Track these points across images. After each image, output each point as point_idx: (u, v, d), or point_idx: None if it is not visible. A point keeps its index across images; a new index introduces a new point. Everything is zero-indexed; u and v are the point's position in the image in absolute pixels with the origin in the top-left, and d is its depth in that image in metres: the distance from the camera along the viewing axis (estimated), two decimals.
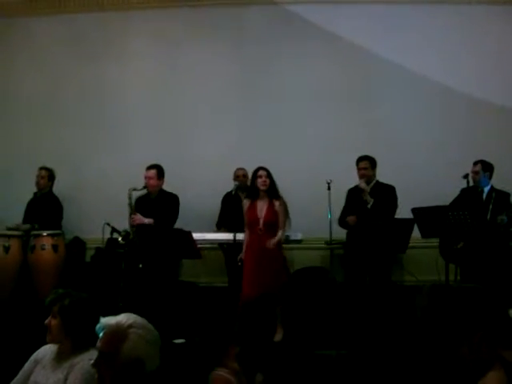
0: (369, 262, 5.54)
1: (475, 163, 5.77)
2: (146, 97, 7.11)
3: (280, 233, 5.36)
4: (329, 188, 5.35)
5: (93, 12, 7.19)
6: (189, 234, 4.99)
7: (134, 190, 5.79)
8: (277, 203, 5.38)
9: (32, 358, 2.91)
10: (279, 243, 5.37)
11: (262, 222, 5.32)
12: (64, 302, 2.84)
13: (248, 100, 7.03)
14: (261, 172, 5.40)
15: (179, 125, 7.07)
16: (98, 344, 2.21)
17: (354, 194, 5.88)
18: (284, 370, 4.54)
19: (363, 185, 5.69)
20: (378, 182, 5.84)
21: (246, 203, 5.47)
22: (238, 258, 5.49)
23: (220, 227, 6.29)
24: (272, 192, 5.41)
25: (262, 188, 5.36)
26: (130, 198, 5.78)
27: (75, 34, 7.21)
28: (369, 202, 5.63)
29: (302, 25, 6.98)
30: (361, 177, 5.77)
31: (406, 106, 6.77)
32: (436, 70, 6.74)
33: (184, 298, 5.85)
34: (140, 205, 5.89)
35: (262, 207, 5.38)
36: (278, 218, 5.37)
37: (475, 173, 5.73)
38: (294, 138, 6.82)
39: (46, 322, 2.84)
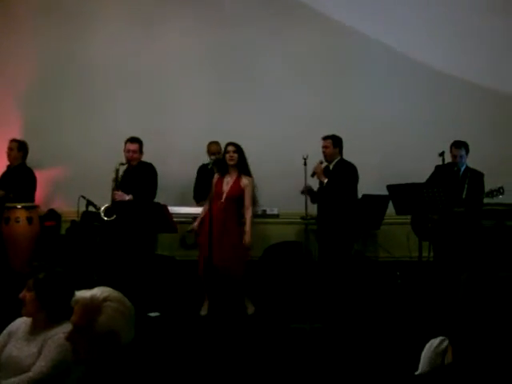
0: (337, 237, 5.57)
1: (458, 147, 5.72)
2: (123, 69, 7.02)
3: (248, 219, 5.33)
4: (305, 163, 5.36)
5: None
6: (164, 207, 4.98)
7: (122, 164, 5.72)
8: (244, 180, 5.37)
9: (6, 331, 2.90)
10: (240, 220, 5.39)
11: (224, 195, 5.32)
12: (39, 275, 2.82)
13: (225, 74, 6.98)
14: (229, 147, 5.39)
15: (156, 97, 7.01)
16: (73, 317, 2.21)
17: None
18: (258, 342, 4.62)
19: (317, 164, 5.68)
20: (341, 159, 5.82)
21: (215, 177, 5.46)
22: (190, 227, 5.52)
23: (199, 200, 6.27)
24: (241, 168, 5.40)
25: (229, 163, 5.35)
26: (116, 172, 5.70)
27: (52, 4, 7.06)
28: (323, 181, 5.67)
29: (287, 3, 6.94)
30: (324, 156, 5.79)
31: (385, 82, 6.79)
32: (419, 47, 6.76)
33: (160, 272, 5.87)
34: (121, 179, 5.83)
35: (228, 182, 5.39)
36: (242, 194, 5.36)
37: (460, 156, 5.72)
38: (272, 112, 6.83)
39: (21, 295, 2.82)
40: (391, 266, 6.20)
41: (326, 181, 5.64)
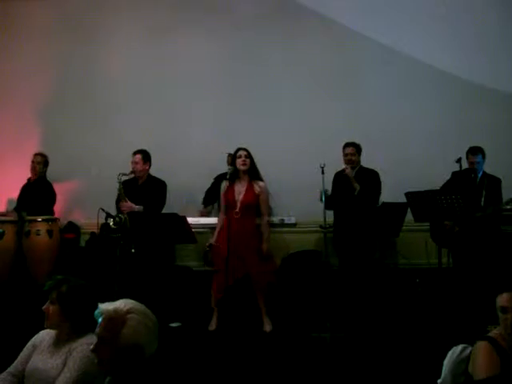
0: (359, 245, 5.57)
1: (474, 153, 5.68)
2: (136, 82, 7.12)
3: (265, 226, 5.21)
4: (322, 172, 5.33)
5: None
6: (183, 218, 4.99)
7: (123, 175, 5.76)
8: (257, 186, 5.20)
9: (30, 343, 2.93)
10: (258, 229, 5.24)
11: (239, 204, 5.12)
12: (62, 288, 2.85)
13: (238, 83, 7.02)
14: (240, 152, 5.21)
15: (170, 108, 7.08)
16: (97, 330, 2.24)
17: (339, 178, 5.90)
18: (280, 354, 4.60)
19: (349, 171, 5.71)
20: (361, 167, 5.87)
21: (224, 185, 5.27)
22: (207, 243, 5.30)
23: (207, 204, 6.28)
24: (252, 174, 5.22)
25: (241, 168, 5.15)
26: (119, 183, 5.75)
27: (67, 18, 7.22)
28: (356, 189, 5.64)
29: (291, 7, 6.97)
30: (347, 163, 5.80)
31: (400, 89, 6.78)
32: (430, 52, 6.74)
33: (179, 283, 5.88)
34: (128, 189, 5.82)
35: (240, 189, 5.17)
36: (257, 201, 5.20)
37: (477, 163, 5.67)
38: (287, 121, 6.84)
39: (44, 307, 2.85)
40: (410, 274, 6.16)
41: (358, 188, 5.63)
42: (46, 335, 2.92)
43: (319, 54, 6.89)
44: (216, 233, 5.30)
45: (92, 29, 7.17)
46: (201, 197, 6.65)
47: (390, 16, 6.78)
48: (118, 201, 5.75)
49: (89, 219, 6.59)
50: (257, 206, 5.23)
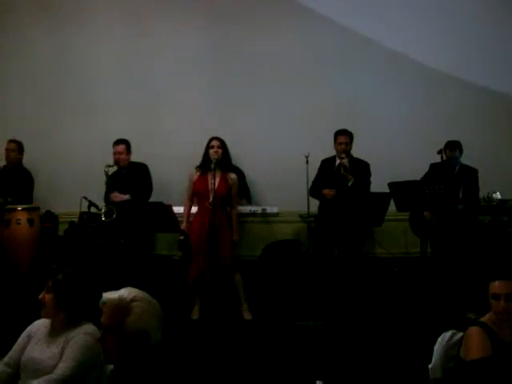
0: (341, 234, 5.58)
1: (452, 149, 5.74)
2: (115, 70, 6.98)
3: (235, 216, 5.30)
4: (307, 162, 5.37)
5: None
6: (169, 207, 4.98)
7: (110, 166, 5.73)
8: (229, 177, 5.24)
9: (25, 333, 2.91)
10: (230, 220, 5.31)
11: (213, 194, 5.03)
12: (58, 276, 2.84)
13: (220, 73, 6.94)
14: (213, 142, 5.20)
15: (148, 98, 6.94)
16: (102, 319, 2.24)
17: (328, 165, 5.83)
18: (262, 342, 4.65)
19: (345, 161, 5.62)
20: (353, 157, 5.82)
21: (194, 174, 5.29)
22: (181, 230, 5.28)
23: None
24: (225, 164, 5.24)
25: (213, 158, 5.10)
26: (106, 175, 5.72)
27: (42, 3, 7.02)
28: (350, 180, 5.57)
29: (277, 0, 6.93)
30: (341, 151, 5.67)
31: (383, 82, 6.80)
32: (415, 47, 6.77)
33: (160, 272, 5.88)
34: (113, 180, 5.84)
35: (213, 179, 5.07)
36: (229, 191, 5.25)
37: (455, 158, 5.76)
38: (269, 111, 6.78)
39: (40, 296, 2.84)
40: (389, 263, 6.27)
41: (352, 180, 5.57)
42: (41, 325, 2.91)
43: (305, 44, 6.85)
44: (185, 220, 5.31)
45: (74, 13, 6.99)
46: (181, 184, 6.58)
47: (379, 10, 6.78)
48: (108, 193, 5.72)
49: (67, 208, 6.53)
50: (228, 196, 5.27)
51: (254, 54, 6.90)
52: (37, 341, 2.85)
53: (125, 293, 2.26)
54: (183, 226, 5.29)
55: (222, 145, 5.22)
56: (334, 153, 5.83)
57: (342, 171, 5.60)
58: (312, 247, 5.77)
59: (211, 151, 5.17)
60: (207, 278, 5.12)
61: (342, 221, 5.44)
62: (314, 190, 5.76)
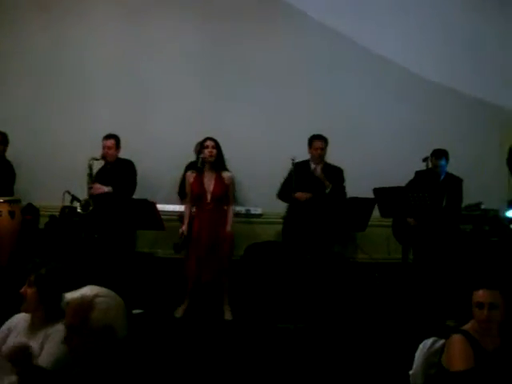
0: (316, 237, 5.59)
1: (438, 157, 5.77)
2: (107, 65, 6.94)
3: (230, 213, 5.29)
4: (293, 165, 5.38)
5: None
6: (153, 204, 4.96)
7: (95, 159, 5.70)
8: (226, 176, 5.23)
9: (4, 326, 2.89)
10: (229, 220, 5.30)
11: (210, 195, 5.15)
12: (41, 271, 2.81)
13: (210, 74, 6.95)
14: (208, 142, 5.18)
15: (139, 94, 6.93)
16: (66, 319, 2.20)
17: (301, 169, 5.75)
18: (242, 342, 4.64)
19: (320, 172, 5.68)
20: (326, 163, 5.85)
21: (190, 175, 5.27)
22: (180, 231, 5.26)
23: (184, 197, 6.26)
24: (219, 164, 5.24)
25: (208, 159, 5.14)
26: (90, 167, 5.67)
27: None
28: (327, 187, 5.64)
29: (272, 3, 6.95)
30: (317, 157, 5.73)
31: (369, 87, 6.88)
32: (401, 54, 6.87)
33: (141, 269, 5.84)
34: (98, 175, 5.82)
35: (209, 180, 5.18)
36: (226, 191, 5.24)
37: (440, 166, 5.78)
38: (256, 112, 6.81)
39: (22, 290, 2.81)
40: (370, 268, 6.30)
41: (330, 187, 5.62)
42: (20, 319, 2.89)
43: (292, 47, 6.89)
44: (186, 223, 5.28)
45: (64, 7, 6.94)
46: (167, 182, 6.59)
47: (366, 16, 6.86)
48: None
49: (48, 202, 6.46)
50: (226, 195, 5.28)
51: (245, 55, 6.94)
52: (17, 334, 2.83)
53: (87, 291, 2.22)
54: (183, 227, 5.26)
55: (217, 145, 5.22)
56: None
57: (320, 177, 5.65)
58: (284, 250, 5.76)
59: (206, 151, 5.16)
60: (205, 279, 5.12)
61: (319, 225, 5.45)
62: (284, 193, 5.73)
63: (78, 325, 2.15)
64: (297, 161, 5.61)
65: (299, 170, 5.75)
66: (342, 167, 5.90)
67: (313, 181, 5.76)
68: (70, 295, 2.21)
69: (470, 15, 6.87)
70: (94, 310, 2.15)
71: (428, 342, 3.03)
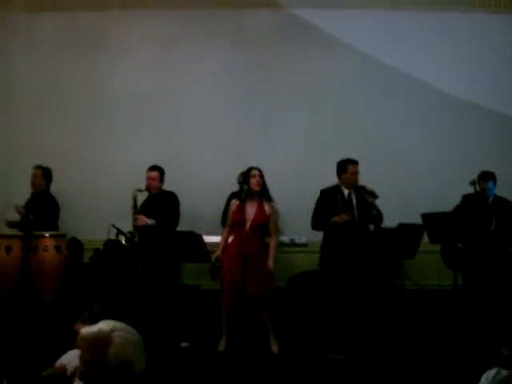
0: (360, 265, 5.37)
1: (486, 179, 5.67)
2: (145, 95, 7.05)
3: (273, 245, 5.23)
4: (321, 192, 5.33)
5: (93, 11, 7.11)
6: (200, 237, 4.95)
7: (139, 191, 5.75)
8: (267, 206, 5.21)
9: (57, 364, 2.86)
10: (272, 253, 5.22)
11: (249, 224, 5.14)
12: (94, 307, 2.80)
13: (247, 102, 7.01)
14: (254, 172, 5.20)
15: (179, 124, 7.03)
16: (82, 355, 2.12)
17: (331, 195, 5.54)
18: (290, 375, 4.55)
19: (372, 199, 5.38)
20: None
21: (234, 203, 5.27)
22: (214, 256, 5.23)
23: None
24: (263, 193, 5.24)
25: (255, 188, 5.16)
26: (134, 199, 5.72)
27: (76, 32, 7.13)
28: (373, 208, 5.36)
29: (299, 27, 6.99)
30: (354, 182, 5.50)
31: (407, 112, 6.84)
32: (438, 77, 6.82)
33: (186, 302, 5.81)
34: (142, 207, 5.87)
35: (251, 208, 5.18)
36: (267, 221, 5.23)
37: (488, 189, 5.67)
38: (297, 140, 6.82)
39: (75, 326, 2.80)
40: (418, 295, 6.16)
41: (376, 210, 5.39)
42: (73, 356, 2.83)
43: (325, 73, 6.93)
44: (221, 248, 5.27)
45: (99, 40, 7.11)
46: (208, 213, 6.59)
47: (397, 39, 6.85)
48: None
49: (92, 235, 6.52)
50: (266, 225, 5.25)
51: (276, 83, 6.98)
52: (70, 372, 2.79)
53: (103, 326, 2.17)
54: (218, 253, 5.25)
55: (261, 174, 5.24)
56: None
57: (369, 200, 5.38)
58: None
59: (253, 180, 5.18)
60: (251, 292, 5.03)
61: (364, 253, 5.25)
62: (318, 221, 5.54)
63: (95, 360, 2.08)
64: (323, 188, 5.53)
65: (328, 197, 5.56)
66: (380, 192, 5.71)
67: (346, 206, 5.50)
68: (86, 330, 2.17)
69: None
70: (112, 344, 2.08)
71: (491, 372, 2.90)
